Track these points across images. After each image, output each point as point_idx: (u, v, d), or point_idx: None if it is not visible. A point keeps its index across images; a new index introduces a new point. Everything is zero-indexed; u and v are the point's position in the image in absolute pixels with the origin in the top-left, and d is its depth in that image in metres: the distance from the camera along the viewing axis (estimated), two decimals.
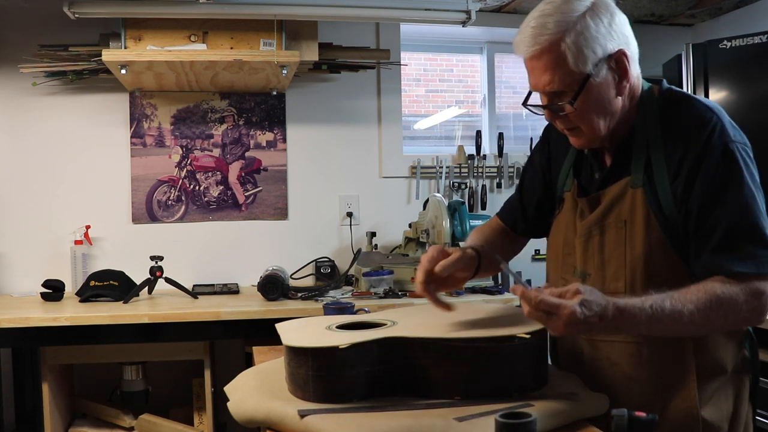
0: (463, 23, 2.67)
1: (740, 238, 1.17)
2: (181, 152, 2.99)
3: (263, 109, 3.05)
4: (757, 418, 1.65)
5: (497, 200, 3.22)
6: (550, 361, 1.40)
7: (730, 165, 1.19)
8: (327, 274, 2.99)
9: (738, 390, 1.29)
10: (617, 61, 1.22)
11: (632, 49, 1.25)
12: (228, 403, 1.25)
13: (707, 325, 1.16)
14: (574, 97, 1.21)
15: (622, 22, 1.24)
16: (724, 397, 1.27)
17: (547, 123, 1.42)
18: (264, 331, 2.24)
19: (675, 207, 1.22)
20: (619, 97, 1.25)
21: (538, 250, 3.13)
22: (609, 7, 1.23)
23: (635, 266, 1.24)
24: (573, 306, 1.05)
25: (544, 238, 1.51)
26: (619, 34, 1.23)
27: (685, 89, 2.85)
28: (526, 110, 1.33)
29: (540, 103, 1.27)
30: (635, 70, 1.27)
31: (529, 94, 1.31)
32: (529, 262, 3.11)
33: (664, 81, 1.34)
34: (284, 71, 2.60)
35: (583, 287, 1.09)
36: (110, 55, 2.43)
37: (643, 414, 0.95)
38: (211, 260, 2.99)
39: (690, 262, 1.21)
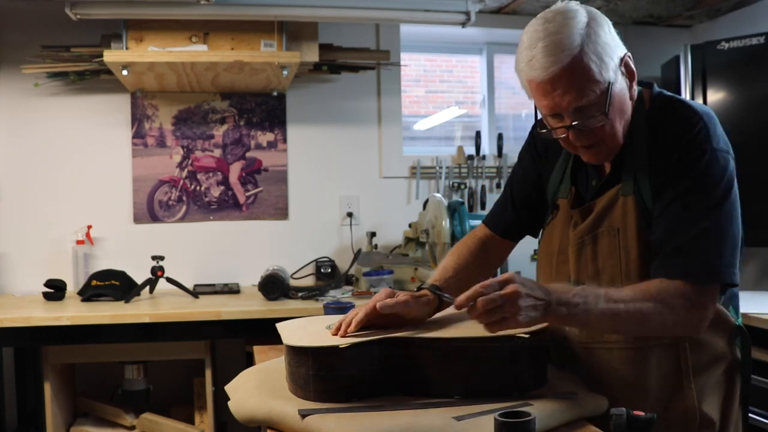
0: (463, 24, 2.68)
1: (700, 245, 1.16)
2: (182, 152, 3.00)
3: (264, 110, 3.06)
4: (749, 414, 1.65)
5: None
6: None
7: (706, 170, 1.18)
8: (327, 274, 2.99)
9: (730, 386, 1.29)
10: (626, 64, 1.23)
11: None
12: (229, 403, 1.26)
13: (643, 322, 1.15)
14: (606, 108, 1.18)
15: (613, 29, 1.24)
16: (717, 393, 1.28)
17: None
18: (264, 331, 2.25)
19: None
20: (630, 102, 1.25)
21: (537, 250, 3.13)
22: (601, 15, 1.22)
23: (631, 273, 1.24)
24: (514, 282, 1.08)
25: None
26: (618, 39, 1.23)
27: (683, 90, 2.86)
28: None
29: (558, 124, 1.23)
30: None
31: (540, 120, 1.29)
32: (528, 262, 3.12)
33: (655, 85, 1.33)
34: (285, 72, 2.61)
35: (512, 274, 1.10)
36: (112, 56, 2.44)
37: (641, 413, 0.96)
38: (211, 260, 3.00)
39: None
